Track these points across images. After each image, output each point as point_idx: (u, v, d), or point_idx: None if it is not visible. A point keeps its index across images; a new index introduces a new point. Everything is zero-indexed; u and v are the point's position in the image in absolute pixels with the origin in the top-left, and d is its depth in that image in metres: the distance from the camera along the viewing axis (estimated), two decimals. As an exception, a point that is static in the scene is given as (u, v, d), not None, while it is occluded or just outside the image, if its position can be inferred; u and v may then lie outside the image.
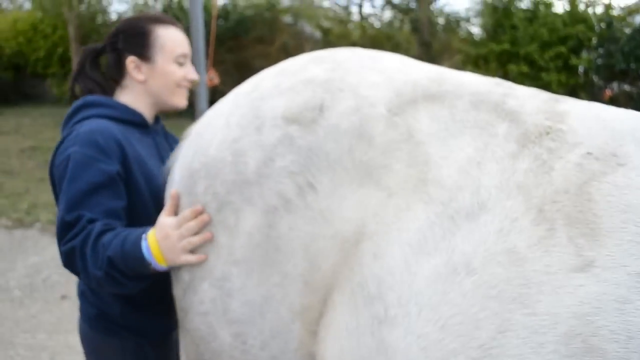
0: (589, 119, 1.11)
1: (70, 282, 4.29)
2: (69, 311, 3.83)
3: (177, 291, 1.31)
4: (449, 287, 1.00)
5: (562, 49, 9.61)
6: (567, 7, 10.29)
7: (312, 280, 1.13)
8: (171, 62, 1.63)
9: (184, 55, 1.66)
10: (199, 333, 1.24)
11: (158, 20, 1.67)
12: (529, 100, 1.16)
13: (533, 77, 9.77)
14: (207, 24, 5.30)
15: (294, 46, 11.37)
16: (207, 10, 8.73)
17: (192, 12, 5.16)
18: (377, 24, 13.78)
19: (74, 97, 1.66)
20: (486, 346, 0.96)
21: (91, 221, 1.37)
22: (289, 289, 1.14)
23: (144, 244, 1.31)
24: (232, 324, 1.19)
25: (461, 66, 11.15)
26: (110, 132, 1.44)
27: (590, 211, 0.97)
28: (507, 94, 1.17)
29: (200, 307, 1.22)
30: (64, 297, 4.07)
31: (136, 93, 1.63)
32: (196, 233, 1.24)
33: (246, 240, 1.15)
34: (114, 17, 13.64)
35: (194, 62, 5.15)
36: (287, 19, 12.93)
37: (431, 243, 1.03)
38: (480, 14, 11.87)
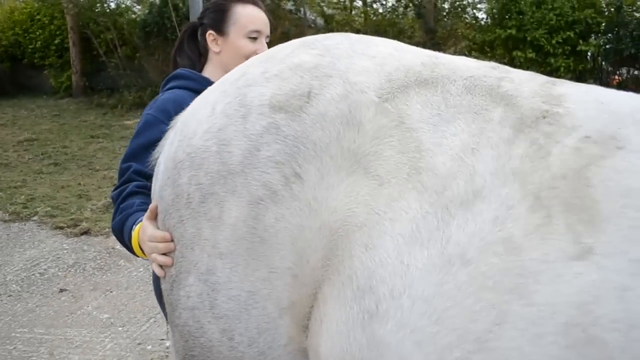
0: (587, 101, 1.08)
1: (68, 276, 4.30)
2: (67, 305, 3.84)
3: (165, 285, 1.29)
4: (444, 278, 0.97)
5: (570, 34, 9.52)
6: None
7: (301, 273, 1.10)
8: (243, 37, 1.77)
9: (257, 31, 1.79)
10: (187, 328, 1.22)
11: None
12: (525, 83, 1.13)
13: (540, 63, 9.68)
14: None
15: (296, 34, 11.26)
16: (208, -3, 8.69)
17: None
18: (380, 10, 13.62)
19: (175, 67, 1.86)
20: (482, 339, 0.93)
21: (138, 173, 1.57)
22: (275, 283, 1.11)
23: (132, 234, 1.45)
24: (219, 319, 1.16)
25: (467, 53, 11.06)
26: (182, 102, 1.53)
27: (588, 197, 0.94)
28: (502, 78, 1.14)
29: (188, 301, 1.20)
30: (62, 290, 4.07)
31: (214, 65, 1.81)
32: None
33: (230, 232, 1.12)
34: (113, 5, 13.52)
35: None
36: (289, 5, 12.83)
37: (425, 233, 1.00)
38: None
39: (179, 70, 1.78)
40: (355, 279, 1.04)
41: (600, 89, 1.14)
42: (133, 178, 1.59)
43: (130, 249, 1.51)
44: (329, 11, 13.35)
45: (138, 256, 1.49)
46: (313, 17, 13.47)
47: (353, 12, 13.83)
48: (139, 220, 1.44)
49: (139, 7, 13.74)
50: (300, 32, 11.34)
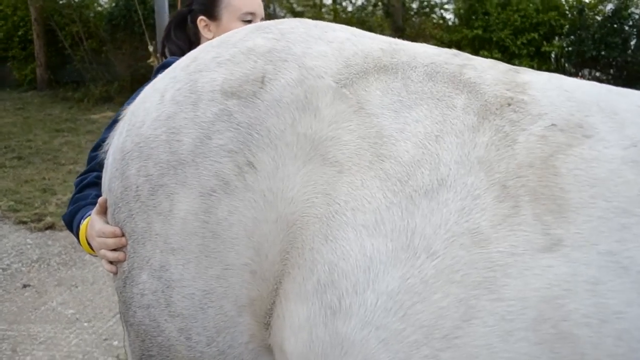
0: (552, 89, 1.05)
1: (32, 271, 4.17)
2: (31, 300, 3.73)
3: (118, 282, 1.21)
4: (409, 272, 0.92)
5: (535, 35, 9.69)
6: (541, -6, 10.38)
7: (259, 269, 1.05)
8: (236, 20, 1.68)
9: (251, 14, 1.69)
10: (143, 327, 1.15)
11: None
12: (488, 71, 1.10)
13: (505, 62, 9.80)
14: (174, 6, 5.16)
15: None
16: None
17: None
18: (350, 8, 13.62)
19: (164, 56, 1.79)
20: (451, 336, 0.90)
21: (100, 166, 1.43)
22: (232, 280, 1.05)
23: (80, 229, 1.39)
24: (175, 317, 1.10)
25: (435, 52, 11.14)
26: None
27: (556, 186, 0.92)
28: (464, 65, 1.10)
29: (142, 299, 1.13)
30: (25, 286, 3.95)
31: None
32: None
33: (181, 226, 1.06)
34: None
35: (159, 40, 5.04)
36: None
37: (389, 224, 0.95)
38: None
39: (169, 59, 1.69)
40: (316, 273, 0.99)
41: (563, 78, 1.12)
42: (96, 168, 1.52)
43: (77, 242, 1.44)
44: (299, 8, 13.30)
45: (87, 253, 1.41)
46: (282, 14, 13.39)
47: (322, 10, 13.79)
48: (88, 214, 1.37)
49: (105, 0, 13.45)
50: (269, 28, 11.25)
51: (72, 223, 1.45)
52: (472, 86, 1.05)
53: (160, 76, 1.25)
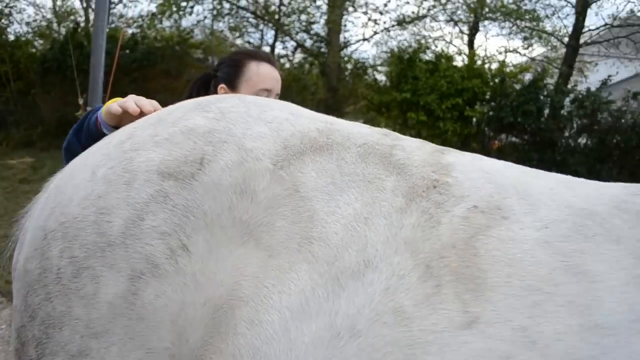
0: (474, 171, 1.12)
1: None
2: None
3: None
4: (331, 352, 0.94)
5: (459, 100, 10.21)
6: (466, 62, 11.04)
7: (178, 353, 1.02)
8: (252, 95, 1.71)
9: (266, 90, 1.81)
10: None
11: (254, 55, 1.87)
12: (416, 152, 1.16)
13: (431, 125, 10.28)
14: (112, 54, 5.11)
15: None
16: (115, 39, 8.46)
17: (94, 40, 4.98)
18: (287, 65, 13.96)
19: None
20: None
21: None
22: None
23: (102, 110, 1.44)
24: None
25: (365, 112, 11.55)
26: None
27: (475, 266, 0.97)
28: (394, 146, 1.16)
29: None
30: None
31: None
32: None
33: (107, 310, 1.02)
34: (12, 38, 12.78)
35: (91, 91, 4.95)
36: (198, 54, 12.80)
37: (313, 306, 0.97)
38: (386, 62, 12.41)
39: None
40: (239, 358, 0.98)
41: (484, 159, 1.20)
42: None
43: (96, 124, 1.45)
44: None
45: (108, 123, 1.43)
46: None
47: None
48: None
49: (40, 41, 13.11)
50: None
51: (81, 129, 1.49)
52: (401, 167, 1.11)
53: (90, 150, 1.21)
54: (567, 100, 10.05)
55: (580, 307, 0.92)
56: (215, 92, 1.84)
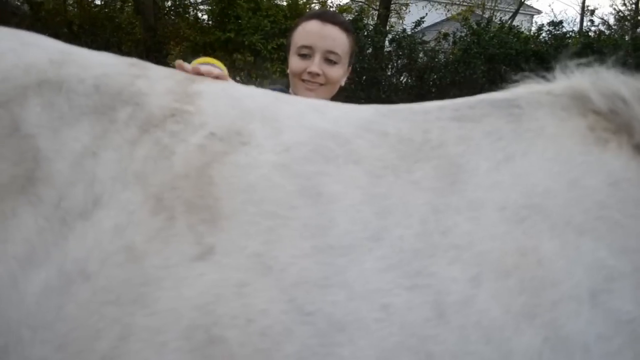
0: (221, 98, 1.09)
1: None
2: None
3: None
4: (64, 299, 0.88)
5: (284, 40, 10.22)
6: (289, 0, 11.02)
7: None
8: (293, 54, 1.73)
9: (307, 47, 1.69)
10: None
11: (308, 15, 1.82)
12: (162, 81, 1.09)
13: (259, 66, 10.21)
14: None
15: (-5, 22, 9.83)
16: None
17: None
18: (98, 2, 12.72)
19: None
20: (108, 356, 0.87)
21: None
22: None
23: None
24: None
25: (189, 53, 11.05)
26: None
27: (210, 195, 0.94)
28: (138, 75, 1.08)
29: None
30: None
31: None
32: None
33: None
34: None
35: None
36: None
37: (41, 253, 0.90)
38: (207, 0, 11.94)
39: (271, 87, 1.76)
40: None
41: (239, 87, 1.16)
42: None
43: None
44: (38, -2, 11.97)
45: None
46: (19, 3, 11.98)
47: (67, 2, 12.64)
48: None
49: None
50: (1, 19, 9.94)
51: None
52: (140, 97, 1.03)
53: None
54: (386, 41, 10.57)
55: (315, 229, 0.93)
56: None
